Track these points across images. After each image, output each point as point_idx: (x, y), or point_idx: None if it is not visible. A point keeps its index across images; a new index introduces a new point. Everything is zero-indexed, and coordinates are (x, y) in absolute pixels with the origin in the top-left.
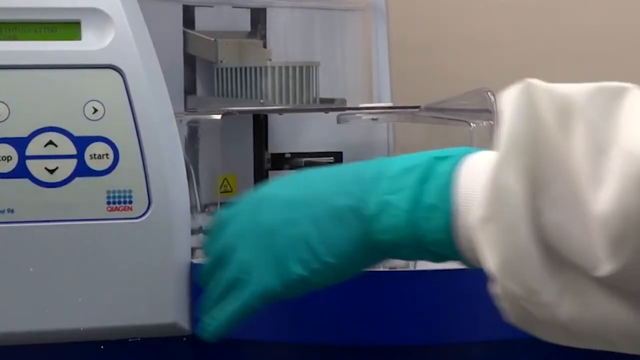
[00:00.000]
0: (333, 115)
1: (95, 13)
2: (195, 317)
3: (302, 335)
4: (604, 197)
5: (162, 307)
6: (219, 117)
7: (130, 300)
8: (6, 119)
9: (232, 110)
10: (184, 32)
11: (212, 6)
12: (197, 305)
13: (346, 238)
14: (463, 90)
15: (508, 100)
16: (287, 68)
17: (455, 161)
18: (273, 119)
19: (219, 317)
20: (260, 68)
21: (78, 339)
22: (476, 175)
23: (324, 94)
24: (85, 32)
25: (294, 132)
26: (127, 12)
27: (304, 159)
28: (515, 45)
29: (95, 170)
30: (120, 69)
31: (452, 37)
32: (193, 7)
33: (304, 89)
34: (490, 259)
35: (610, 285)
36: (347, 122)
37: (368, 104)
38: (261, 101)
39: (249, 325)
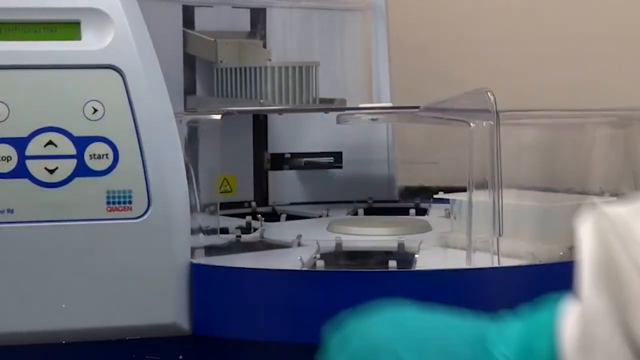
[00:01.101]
0: (333, 115)
1: (95, 13)
2: (195, 317)
3: (302, 335)
4: None
5: (162, 307)
6: (218, 117)
7: (130, 300)
8: (6, 119)
9: (232, 110)
10: (184, 32)
11: (212, 6)
12: (196, 305)
13: None
14: (463, 90)
15: (584, 233)
16: (286, 68)
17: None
18: (273, 119)
19: None
20: (260, 68)
21: (78, 339)
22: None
23: (323, 94)
24: (85, 32)
25: (293, 132)
26: (127, 12)
27: (304, 159)
28: (514, 46)
29: (95, 171)
30: (120, 69)
31: (451, 37)
32: (193, 7)
33: (303, 89)
34: None
35: None
36: (346, 122)
37: (368, 104)
38: (261, 101)
39: (249, 325)
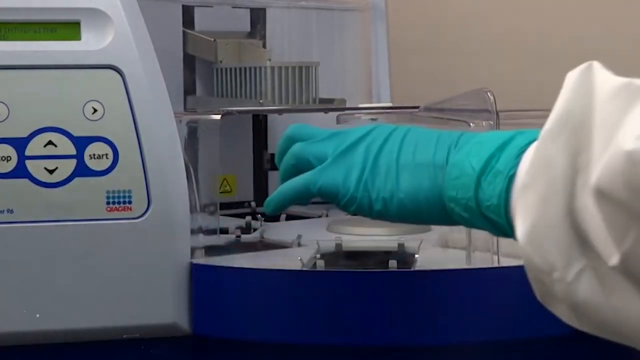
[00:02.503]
0: (333, 115)
1: (95, 13)
2: (195, 317)
3: (302, 336)
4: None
5: (162, 307)
6: (218, 117)
7: (130, 300)
8: (6, 119)
9: (232, 110)
10: (184, 32)
11: (211, 6)
12: (196, 305)
13: (421, 183)
14: (462, 90)
15: (569, 79)
16: (286, 68)
17: (533, 136)
18: (273, 119)
19: (281, 190)
20: (260, 68)
21: (78, 339)
22: None
23: (323, 94)
24: (85, 32)
25: None
26: (127, 12)
27: None
28: (514, 46)
29: (94, 171)
30: (120, 69)
31: (451, 37)
32: (193, 7)
33: (303, 89)
34: (520, 226)
35: (629, 276)
36: (346, 122)
37: (367, 104)
38: (260, 101)
39: (249, 325)
